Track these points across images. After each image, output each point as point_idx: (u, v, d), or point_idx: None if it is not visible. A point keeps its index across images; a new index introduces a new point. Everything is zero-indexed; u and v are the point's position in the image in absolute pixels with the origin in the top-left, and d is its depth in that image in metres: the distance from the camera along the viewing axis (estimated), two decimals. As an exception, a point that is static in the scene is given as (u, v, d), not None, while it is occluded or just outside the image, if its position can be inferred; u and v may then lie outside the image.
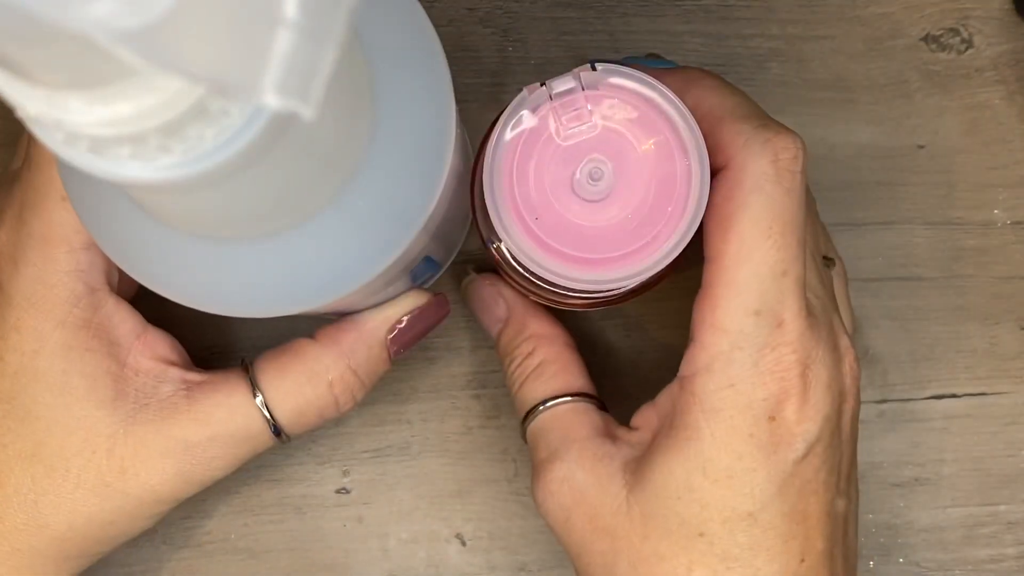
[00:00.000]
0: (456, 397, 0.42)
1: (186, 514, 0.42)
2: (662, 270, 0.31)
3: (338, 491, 0.42)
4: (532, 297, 0.35)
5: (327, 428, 0.42)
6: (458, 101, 0.29)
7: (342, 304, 0.30)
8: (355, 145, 0.25)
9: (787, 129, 0.31)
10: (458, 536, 0.42)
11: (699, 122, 0.31)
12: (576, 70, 0.30)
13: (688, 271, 0.41)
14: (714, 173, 0.31)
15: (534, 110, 0.31)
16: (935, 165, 0.42)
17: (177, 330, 0.42)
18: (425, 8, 0.29)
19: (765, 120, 0.31)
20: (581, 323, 0.42)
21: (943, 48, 0.42)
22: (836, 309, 0.33)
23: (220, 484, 0.42)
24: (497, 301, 0.38)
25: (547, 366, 0.36)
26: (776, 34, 0.42)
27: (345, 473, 0.42)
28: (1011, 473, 0.42)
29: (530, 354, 0.36)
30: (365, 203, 0.26)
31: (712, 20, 0.42)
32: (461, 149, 0.32)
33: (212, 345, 0.42)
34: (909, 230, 0.42)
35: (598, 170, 0.30)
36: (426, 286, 0.41)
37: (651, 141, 0.30)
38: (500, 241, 0.31)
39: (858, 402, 0.33)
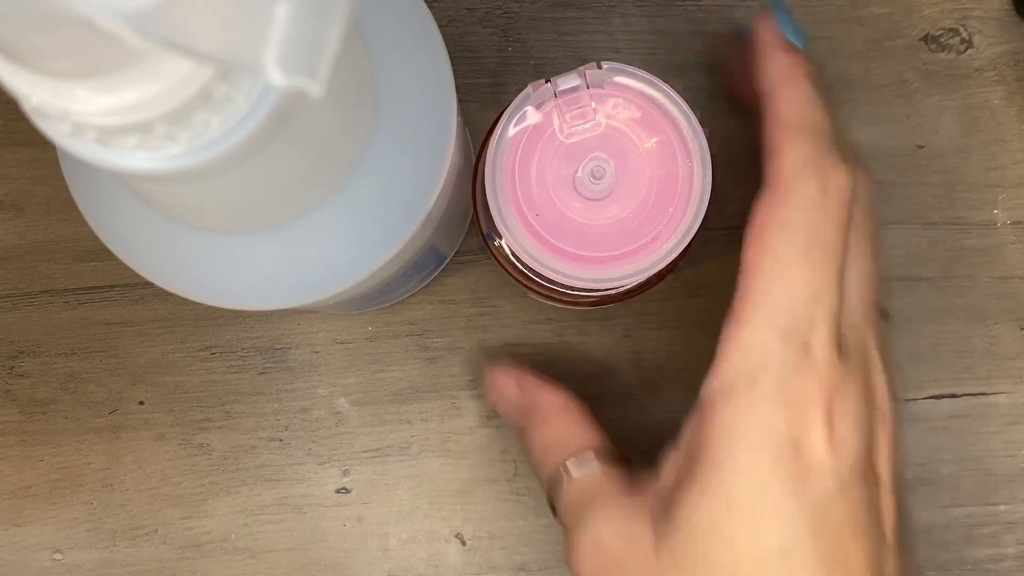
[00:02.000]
0: (456, 397, 0.42)
1: (186, 514, 0.42)
2: (662, 270, 0.31)
3: (338, 491, 0.42)
4: (531, 295, 0.35)
5: (327, 428, 0.42)
6: (458, 101, 0.29)
7: (348, 296, 0.30)
8: (357, 133, 0.25)
9: (850, 163, 0.30)
10: (458, 536, 0.42)
11: (773, 120, 0.30)
12: (581, 68, 0.30)
13: (687, 271, 0.41)
14: (760, 178, 0.31)
15: (538, 107, 0.31)
16: (935, 165, 0.42)
17: (178, 329, 0.42)
18: (424, 7, 0.29)
19: (830, 149, 0.30)
20: (581, 323, 0.42)
21: (943, 48, 0.43)
22: (881, 362, 0.32)
23: (220, 484, 0.42)
24: (508, 383, 0.38)
25: (563, 431, 0.35)
26: (776, 34, 0.42)
27: (345, 473, 0.42)
28: (1011, 473, 0.42)
29: (545, 423, 0.36)
30: (368, 193, 0.26)
31: (712, 20, 0.42)
32: (462, 143, 0.32)
33: (212, 344, 0.42)
34: (909, 230, 0.42)
35: (600, 168, 0.30)
36: (430, 279, 0.41)
37: (653, 141, 0.31)
38: (500, 238, 0.31)
39: (900, 454, 0.32)
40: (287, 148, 0.22)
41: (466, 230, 0.41)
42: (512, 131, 0.31)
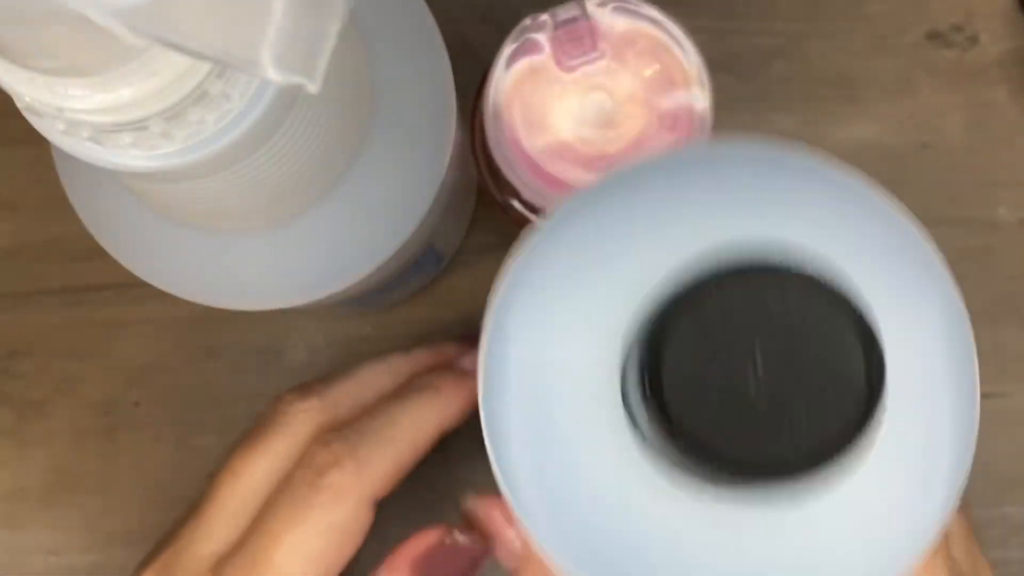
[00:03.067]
0: (456, 398, 0.42)
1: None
2: None
3: (337, 493, 0.42)
4: None
5: (325, 429, 0.42)
6: (457, 99, 0.29)
7: (347, 295, 0.29)
8: (355, 131, 0.25)
9: None
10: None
11: None
12: None
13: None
14: None
15: (537, 40, 0.30)
16: (939, 163, 0.42)
17: (174, 329, 0.42)
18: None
19: None
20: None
21: (948, 45, 0.42)
22: None
23: (217, 486, 0.41)
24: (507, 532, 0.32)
25: None
26: (780, 31, 0.42)
27: (344, 475, 0.42)
28: (1019, 475, 0.42)
29: None
30: (367, 191, 0.26)
31: (715, 17, 0.42)
32: (460, 140, 0.32)
33: (209, 345, 0.42)
34: (913, 229, 0.42)
35: (602, 100, 0.30)
36: (429, 279, 0.40)
37: (654, 69, 0.30)
38: (514, 192, 0.31)
39: None
40: (283, 146, 0.21)
41: (465, 230, 0.41)
42: (510, 68, 0.30)
